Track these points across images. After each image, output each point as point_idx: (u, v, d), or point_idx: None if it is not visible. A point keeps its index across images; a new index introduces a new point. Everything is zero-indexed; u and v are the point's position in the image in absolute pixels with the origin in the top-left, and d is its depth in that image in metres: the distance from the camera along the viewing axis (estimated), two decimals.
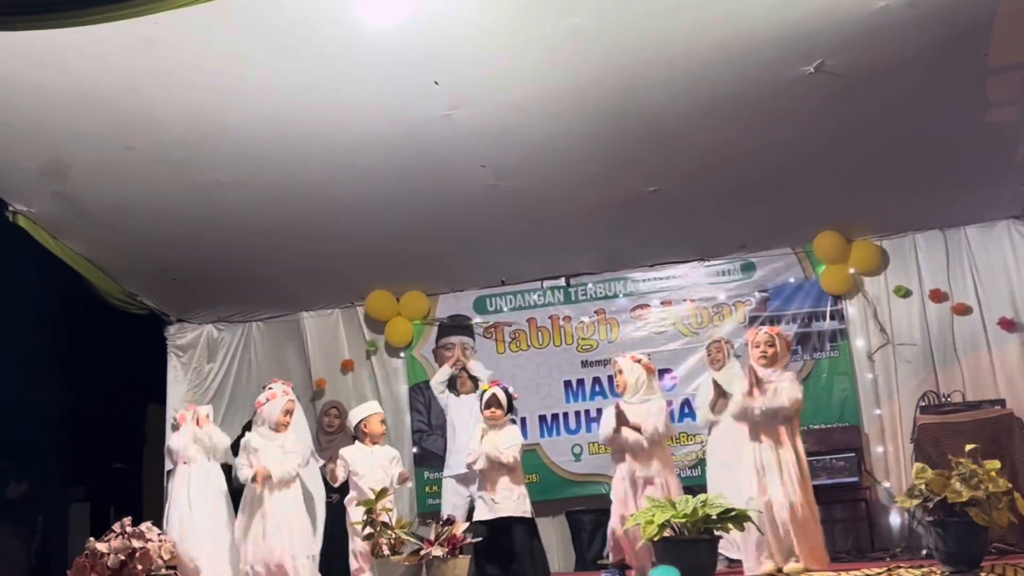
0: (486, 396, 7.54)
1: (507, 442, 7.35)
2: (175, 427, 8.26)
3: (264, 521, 7.33)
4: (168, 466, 8.36)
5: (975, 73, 6.97)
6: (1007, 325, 8.79)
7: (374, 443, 7.80)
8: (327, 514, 8.41)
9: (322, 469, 8.51)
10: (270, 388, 7.83)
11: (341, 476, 7.66)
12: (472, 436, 7.61)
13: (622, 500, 6.87)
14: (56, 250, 8.72)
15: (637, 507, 6.56)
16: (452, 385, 9.16)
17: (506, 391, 7.58)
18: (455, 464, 8.70)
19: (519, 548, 7.22)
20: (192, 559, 7.52)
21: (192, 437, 7.97)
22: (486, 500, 7.35)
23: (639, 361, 7.16)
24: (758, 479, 6.36)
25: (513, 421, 7.67)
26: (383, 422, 7.95)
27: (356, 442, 7.89)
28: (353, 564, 7.55)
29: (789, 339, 6.76)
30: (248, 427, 8.65)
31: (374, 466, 7.64)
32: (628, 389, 7.04)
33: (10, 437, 9.61)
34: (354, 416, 8.00)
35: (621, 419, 6.88)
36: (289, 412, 7.67)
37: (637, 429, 6.84)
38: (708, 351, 8.43)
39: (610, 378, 8.56)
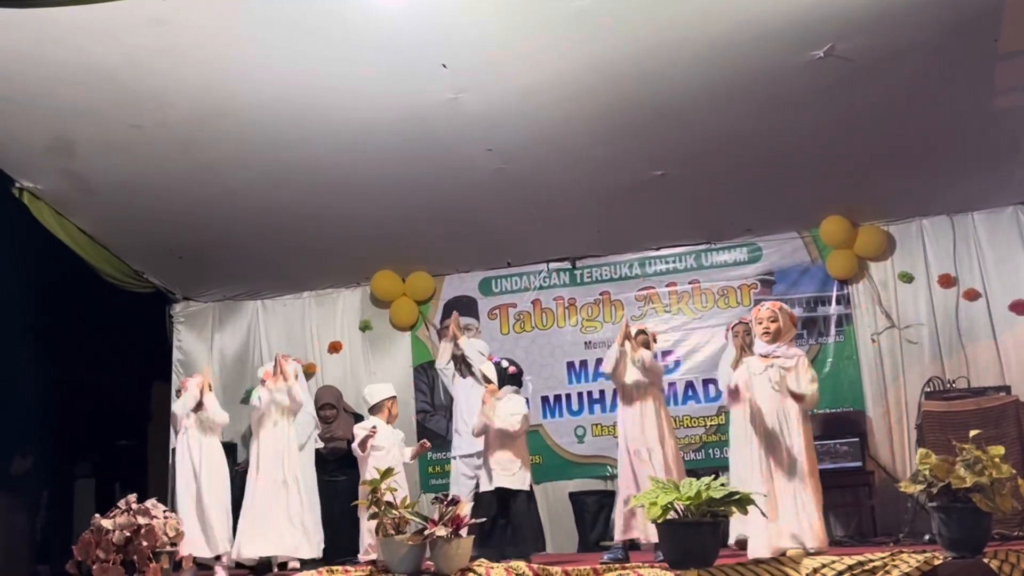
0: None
1: (507, 411, 7.44)
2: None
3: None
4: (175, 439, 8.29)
5: (984, 58, 6.95)
6: (1018, 308, 8.77)
7: (389, 423, 7.87)
8: (334, 492, 8.45)
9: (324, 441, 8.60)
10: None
11: (369, 444, 7.64)
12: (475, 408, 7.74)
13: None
14: (58, 231, 8.73)
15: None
16: (458, 366, 9.07)
17: (498, 365, 7.69)
18: (461, 444, 8.72)
19: (515, 521, 7.29)
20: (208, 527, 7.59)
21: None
22: (486, 471, 7.48)
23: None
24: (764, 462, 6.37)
25: (517, 392, 7.70)
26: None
27: (375, 417, 7.88)
28: (365, 541, 7.59)
29: (793, 314, 6.74)
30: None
31: (393, 443, 7.73)
32: None
33: (15, 413, 9.64)
34: (377, 393, 7.97)
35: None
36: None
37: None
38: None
39: None
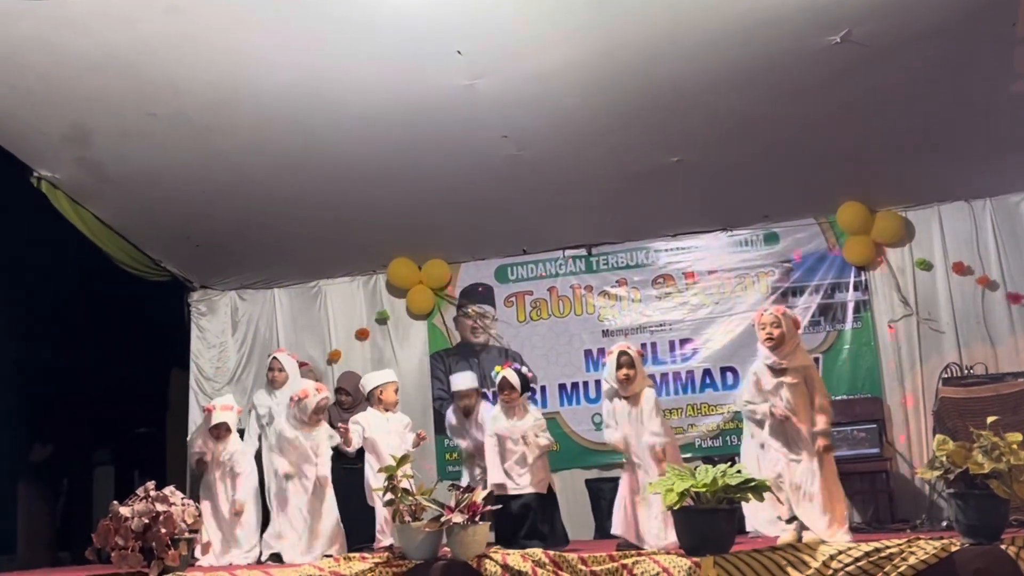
0: (498, 379, 7.64)
1: (529, 426, 7.55)
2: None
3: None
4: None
5: (1002, 42, 6.91)
6: (1015, 299, 8.75)
7: (387, 411, 7.86)
8: (351, 479, 8.46)
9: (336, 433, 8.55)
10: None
11: (356, 442, 7.68)
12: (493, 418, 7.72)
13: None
14: (75, 220, 8.76)
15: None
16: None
17: (518, 371, 7.67)
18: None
19: (538, 524, 7.34)
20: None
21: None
22: (509, 476, 7.51)
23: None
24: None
25: (532, 400, 7.71)
26: (396, 391, 8.01)
27: (369, 408, 7.92)
28: (377, 529, 7.61)
29: (797, 318, 6.67)
30: None
31: (390, 432, 7.74)
32: None
33: (35, 401, 9.70)
34: (369, 382, 8.04)
35: None
36: (320, 411, 7.60)
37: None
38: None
39: None
